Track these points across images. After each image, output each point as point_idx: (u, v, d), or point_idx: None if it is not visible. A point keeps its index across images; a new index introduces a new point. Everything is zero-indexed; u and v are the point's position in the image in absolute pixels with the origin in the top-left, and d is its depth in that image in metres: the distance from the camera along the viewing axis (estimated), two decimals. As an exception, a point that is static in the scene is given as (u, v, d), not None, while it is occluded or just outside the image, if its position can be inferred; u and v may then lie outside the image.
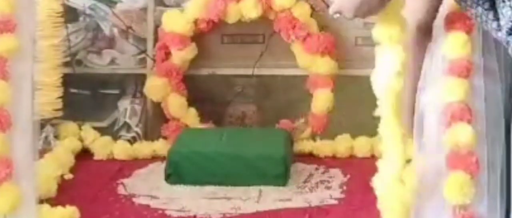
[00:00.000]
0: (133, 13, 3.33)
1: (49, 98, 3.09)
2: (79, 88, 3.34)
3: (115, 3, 3.33)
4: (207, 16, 3.22)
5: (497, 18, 1.36)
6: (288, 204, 2.70)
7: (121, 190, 2.85)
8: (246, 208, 2.66)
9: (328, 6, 3.36)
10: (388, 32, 1.63)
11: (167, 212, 2.62)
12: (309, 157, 3.20)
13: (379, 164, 1.79)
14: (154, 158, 3.21)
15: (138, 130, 3.33)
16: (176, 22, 3.23)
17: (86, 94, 3.37)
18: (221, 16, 3.21)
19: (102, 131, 3.30)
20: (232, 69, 3.38)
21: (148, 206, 2.69)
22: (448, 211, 1.90)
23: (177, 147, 3.01)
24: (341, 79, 3.28)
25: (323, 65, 3.24)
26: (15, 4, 2.15)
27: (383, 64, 1.67)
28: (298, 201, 2.72)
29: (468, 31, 1.73)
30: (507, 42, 1.33)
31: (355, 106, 3.17)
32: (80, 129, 3.28)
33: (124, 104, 3.36)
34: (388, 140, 1.78)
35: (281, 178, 2.86)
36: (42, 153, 2.90)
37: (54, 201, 2.59)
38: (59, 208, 2.48)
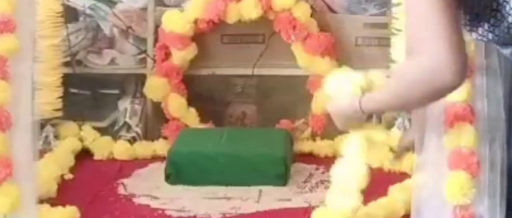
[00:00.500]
0: (133, 13, 3.33)
1: (49, 98, 3.08)
2: (79, 88, 3.33)
3: (115, 3, 3.33)
4: (207, 16, 3.22)
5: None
6: (288, 204, 2.70)
7: (121, 190, 2.85)
8: (246, 208, 2.66)
9: (328, 6, 3.38)
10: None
11: (167, 212, 2.62)
12: (309, 157, 3.20)
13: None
14: (154, 158, 3.21)
15: (138, 130, 3.33)
16: (176, 22, 3.23)
17: (86, 94, 3.37)
18: (221, 16, 3.21)
19: (102, 131, 3.30)
20: (232, 69, 3.38)
21: (148, 206, 2.69)
22: (448, 211, 1.90)
23: (177, 147, 3.01)
24: (341, 79, 3.27)
25: (323, 66, 3.23)
26: (15, 4, 2.15)
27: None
28: (298, 201, 2.72)
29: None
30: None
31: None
32: (80, 129, 3.28)
33: (124, 104, 3.36)
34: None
35: (281, 178, 2.86)
36: (42, 153, 2.90)
37: (54, 201, 2.59)
38: (59, 208, 2.47)
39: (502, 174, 1.84)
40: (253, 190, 2.80)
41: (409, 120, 2.80)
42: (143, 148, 3.25)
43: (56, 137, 3.21)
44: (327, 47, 3.24)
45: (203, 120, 3.34)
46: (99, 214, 2.60)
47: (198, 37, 3.30)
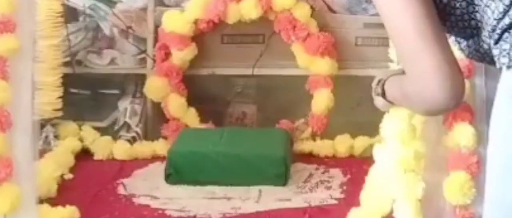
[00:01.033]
0: (133, 13, 3.33)
1: (49, 98, 3.08)
2: (79, 88, 3.33)
3: (115, 3, 3.33)
4: (207, 16, 3.22)
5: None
6: (288, 204, 2.70)
7: (121, 190, 2.85)
8: (246, 208, 2.66)
9: (328, 6, 3.38)
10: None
11: (167, 212, 2.62)
12: (309, 157, 3.20)
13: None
14: (154, 158, 3.21)
15: (138, 130, 3.33)
16: (176, 22, 3.23)
17: (86, 94, 3.37)
18: (221, 16, 3.21)
19: (102, 131, 3.30)
20: (232, 69, 3.38)
21: (148, 206, 2.69)
22: (448, 211, 1.90)
23: (177, 147, 3.01)
24: (341, 79, 3.28)
25: (323, 66, 3.24)
26: (15, 4, 2.15)
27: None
28: (298, 201, 2.72)
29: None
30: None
31: (355, 106, 3.18)
32: (80, 128, 3.28)
33: (124, 104, 3.36)
34: None
35: (281, 178, 2.86)
36: (42, 153, 2.90)
37: (54, 201, 2.58)
38: (59, 208, 2.47)
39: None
40: (253, 190, 2.80)
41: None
42: (143, 148, 3.25)
43: (56, 137, 3.20)
44: (327, 47, 3.24)
45: (203, 120, 3.34)
46: (99, 214, 2.60)
47: (198, 37, 3.30)
